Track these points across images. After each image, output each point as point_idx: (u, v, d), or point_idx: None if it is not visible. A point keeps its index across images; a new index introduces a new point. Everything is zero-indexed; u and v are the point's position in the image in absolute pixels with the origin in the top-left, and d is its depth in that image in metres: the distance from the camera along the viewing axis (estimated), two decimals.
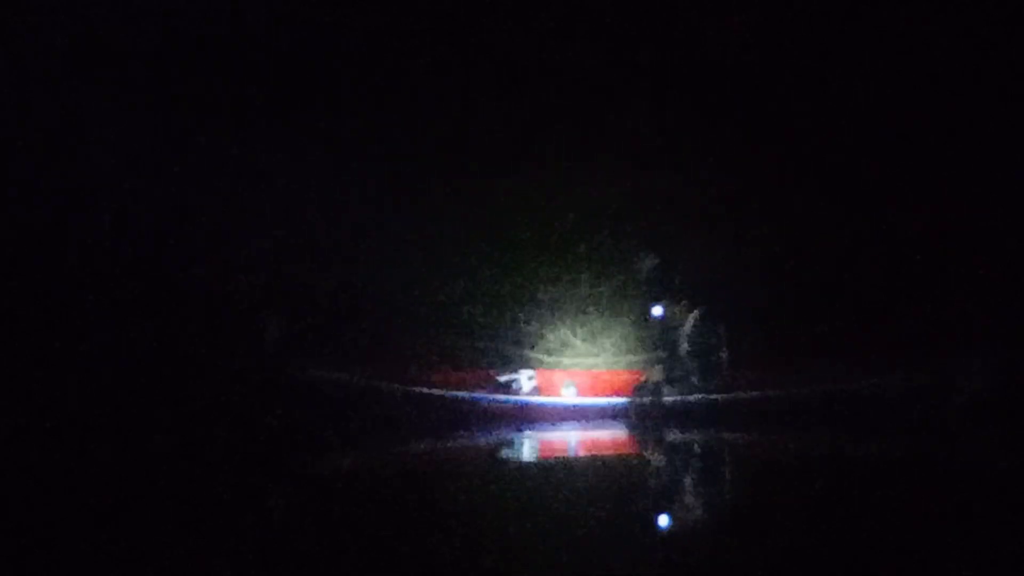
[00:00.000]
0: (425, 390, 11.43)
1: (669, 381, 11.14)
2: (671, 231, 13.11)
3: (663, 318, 11.64)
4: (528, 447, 9.68)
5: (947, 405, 10.36)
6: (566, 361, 12.68)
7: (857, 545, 4.65)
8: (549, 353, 12.74)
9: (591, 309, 13.15)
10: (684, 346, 11.26)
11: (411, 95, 12.92)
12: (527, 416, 11.29)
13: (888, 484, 6.78)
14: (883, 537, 4.83)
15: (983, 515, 5.45)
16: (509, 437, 10.08)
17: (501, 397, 11.47)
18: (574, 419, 11.22)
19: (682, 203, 13.12)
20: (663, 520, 5.61)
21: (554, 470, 8.17)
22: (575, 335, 12.93)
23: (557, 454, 9.53)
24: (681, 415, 10.95)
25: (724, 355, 11.25)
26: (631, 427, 10.75)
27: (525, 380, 11.66)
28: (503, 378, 11.70)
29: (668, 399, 11.06)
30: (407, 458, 8.74)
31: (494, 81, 13.01)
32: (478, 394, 11.56)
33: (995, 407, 9.92)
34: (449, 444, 9.69)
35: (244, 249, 12.43)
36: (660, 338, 11.81)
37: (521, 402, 11.44)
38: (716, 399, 11.09)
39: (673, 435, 10.20)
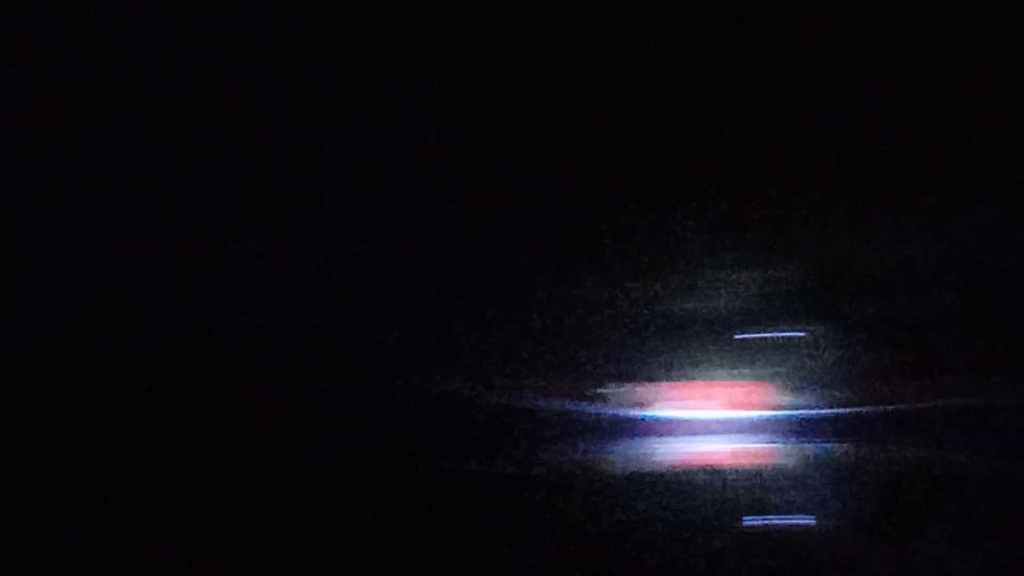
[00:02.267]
0: (517, 401, 10.87)
1: (782, 393, 10.38)
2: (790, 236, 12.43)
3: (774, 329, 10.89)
4: (629, 461, 9.11)
5: None
6: (673, 373, 12.03)
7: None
8: (650, 363, 12.10)
9: (702, 317, 12.49)
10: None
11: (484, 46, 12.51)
12: (625, 430, 10.67)
13: None
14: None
15: None
16: (612, 452, 9.54)
17: (598, 409, 10.85)
18: (678, 433, 10.57)
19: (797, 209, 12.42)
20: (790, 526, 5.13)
21: (662, 483, 7.66)
22: (681, 344, 12.25)
23: (661, 468, 8.94)
24: (796, 428, 10.23)
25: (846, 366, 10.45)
26: (741, 441, 10.09)
27: (625, 392, 11.03)
28: (601, 389, 11.08)
29: (782, 412, 10.31)
30: (507, 468, 8.29)
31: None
32: (574, 405, 10.96)
33: None
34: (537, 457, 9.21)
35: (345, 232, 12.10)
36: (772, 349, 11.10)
37: (620, 415, 10.80)
38: (839, 412, 10.32)
39: (788, 448, 9.57)
